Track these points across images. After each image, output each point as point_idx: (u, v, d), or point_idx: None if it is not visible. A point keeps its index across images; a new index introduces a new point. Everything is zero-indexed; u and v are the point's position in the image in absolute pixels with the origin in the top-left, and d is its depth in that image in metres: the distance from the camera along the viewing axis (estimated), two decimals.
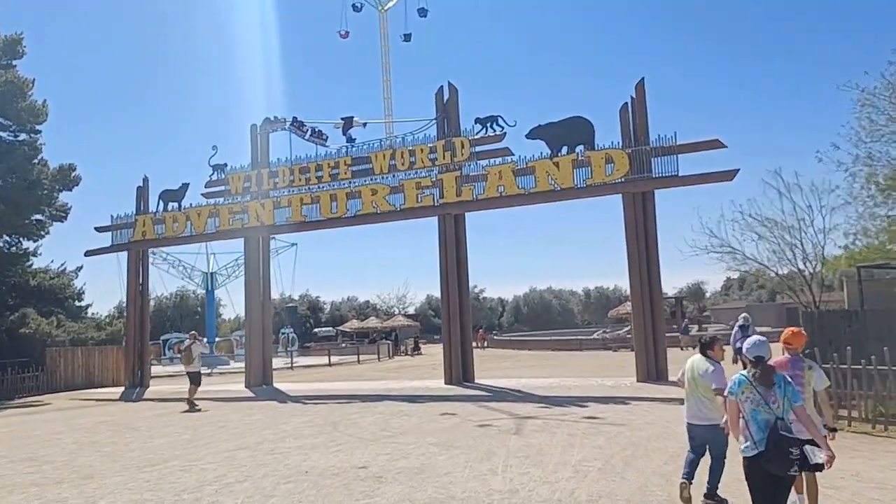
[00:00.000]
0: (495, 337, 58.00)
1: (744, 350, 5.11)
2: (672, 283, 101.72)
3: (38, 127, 28.57)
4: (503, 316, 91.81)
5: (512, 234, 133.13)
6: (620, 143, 18.95)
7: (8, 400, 23.93)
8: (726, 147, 17.86)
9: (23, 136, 28.76)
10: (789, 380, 4.93)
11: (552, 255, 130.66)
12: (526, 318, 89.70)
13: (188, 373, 18.13)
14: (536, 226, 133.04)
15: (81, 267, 34.11)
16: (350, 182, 22.37)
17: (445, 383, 20.35)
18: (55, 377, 26.71)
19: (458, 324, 20.67)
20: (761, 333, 6.62)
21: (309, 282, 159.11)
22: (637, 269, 18.52)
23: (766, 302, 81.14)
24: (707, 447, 6.56)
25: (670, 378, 18.17)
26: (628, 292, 21.42)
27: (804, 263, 18.66)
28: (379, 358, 44.12)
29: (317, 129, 23.40)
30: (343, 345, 56.17)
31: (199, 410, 17.00)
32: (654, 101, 19.18)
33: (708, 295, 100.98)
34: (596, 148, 19.14)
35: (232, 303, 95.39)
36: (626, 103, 19.19)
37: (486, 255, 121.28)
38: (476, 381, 20.61)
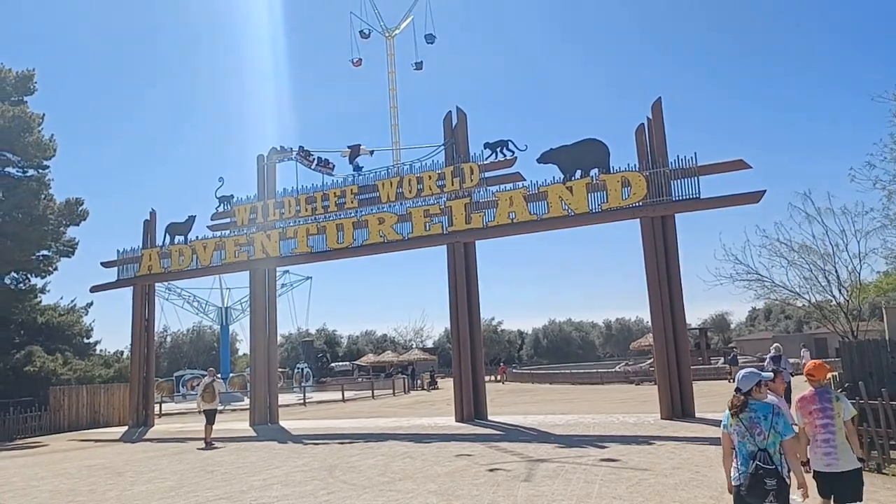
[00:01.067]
0: (514, 370, 56.61)
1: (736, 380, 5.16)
2: (695, 313, 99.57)
3: (45, 162, 28.32)
4: (522, 349, 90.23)
5: (528, 264, 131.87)
6: (637, 166, 18.04)
7: (8, 441, 23.19)
8: (751, 168, 16.91)
9: (31, 172, 28.52)
10: (779, 411, 4.92)
11: (571, 286, 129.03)
12: (546, 350, 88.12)
13: (205, 411, 17.74)
14: (552, 255, 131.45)
15: (91, 303, 33.67)
16: (357, 211, 21.66)
17: (456, 420, 19.29)
18: (59, 417, 25.95)
19: (470, 357, 19.66)
20: (792, 364, 5.96)
21: (326, 316, 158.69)
22: (658, 297, 17.46)
23: (794, 332, 79.00)
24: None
25: (697, 414, 16.99)
26: (650, 324, 20.28)
27: (839, 290, 17.36)
28: (394, 393, 43.05)
29: (323, 159, 22.78)
30: (360, 379, 55.14)
31: (215, 448, 16.65)
32: (672, 123, 18.29)
33: (733, 326, 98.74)
34: (611, 171, 18.25)
35: (247, 338, 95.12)
36: (643, 124, 18.33)
37: (503, 286, 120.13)
38: (489, 417, 19.52)
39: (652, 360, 48.45)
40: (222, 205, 24.04)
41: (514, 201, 19.27)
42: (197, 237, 24.40)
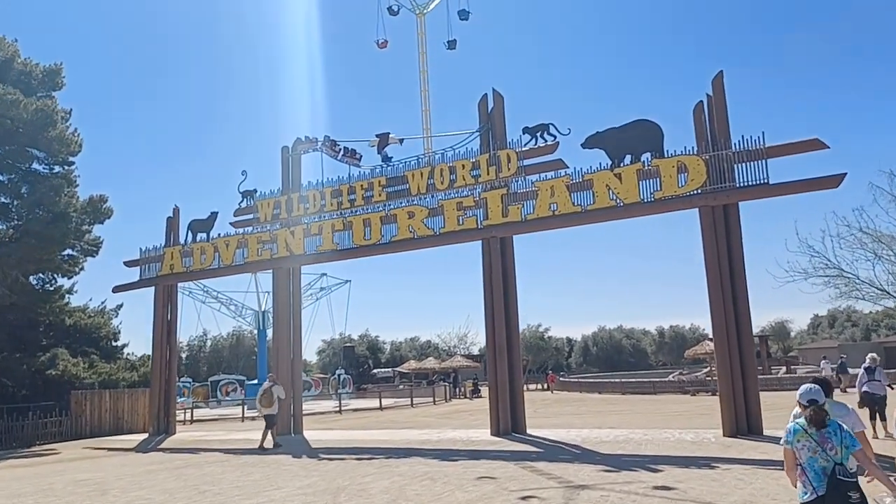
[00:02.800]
0: (561, 378, 54.26)
1: (797, 397, 5.09)
2: (754, 320, 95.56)
3: (71, 158, 27.54)
4: (570, 356, 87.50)
5: (574, 265, 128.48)
6: (695, 149, 15.93)
7: (25, 448, 22.24)
8: (828, 147, 14.63)
9: (57, 169, 27.76)
10: (844, 427, 4.88)
11: (622, 292, 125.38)
12: (595, 358, 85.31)
13: (267, 416, 17.64)
14: (601, 255, 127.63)
15: (122, 305, 32.92)
16: (385, 205, 20.01)
17: (491, 434, 17.40)
18: (80, 422, 24.98)
19: (507, 364, 17.76)
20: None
21: (368, 321, 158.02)
22: (720, 296, 15.29)
23: (861, 341, 74.52)
24: None
25: (765, 431, 14.76)
26: (707, 331, 17.97)
27: None
28: (434, 401, 41.24)
29: (350, 149, 21.23)
30: (401, 386, 53.61)
31: (271, 451, 16.66)
32: (733, 103, 16.03)
33: (793, 334, 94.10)
34: (665, 155, 16.18)
35: None
36: (701, 102, 16.22)
37: (550, 292, 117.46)
38: (528, 431, 17.57)
39: (708, 369, 45.74)
40: (245, 200, 22.72)
41: (556, 191, 17.34)
42: (219, 234, 23.12)
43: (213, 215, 23.60)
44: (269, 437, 17.52)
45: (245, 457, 16.01)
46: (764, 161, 15.09)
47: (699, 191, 15.65)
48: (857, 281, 15.63)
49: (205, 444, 19.51)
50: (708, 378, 41.18)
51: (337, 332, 69.62)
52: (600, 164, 16.94)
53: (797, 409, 5.28)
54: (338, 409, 35.20)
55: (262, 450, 16.84)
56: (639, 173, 16.40)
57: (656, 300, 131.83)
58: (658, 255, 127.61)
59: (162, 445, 20.25)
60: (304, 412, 26.45)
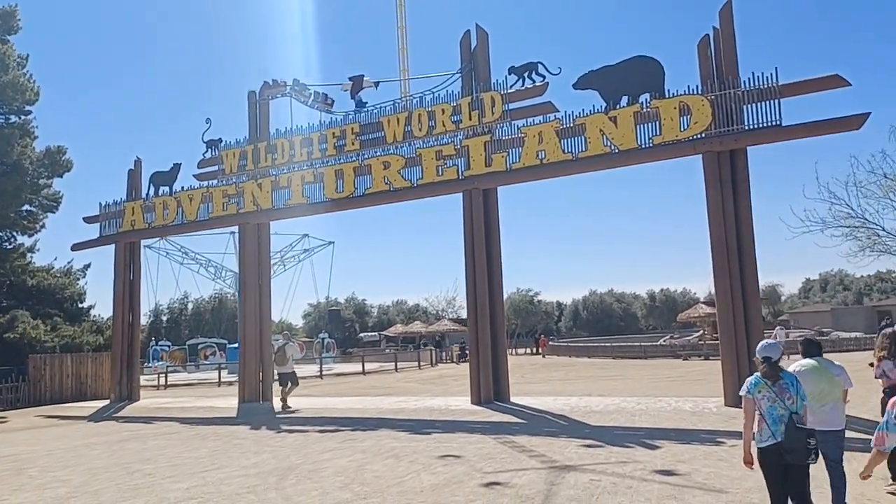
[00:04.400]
0: (551, 343, 53.15)
1: (756, 351, 5.43)
2: None
3: (27, 108, 25.56)
4: (560, 321, 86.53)
5: (563, 225, 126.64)
6: (700, 88, 14.28)
7: None
8: (850, 85, 13.03)
9: (14, 119, 25.79)
10: (799, 381, 5.22)
11: (613, 255, 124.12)
12: (585, 323, 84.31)
13: (281, 374, 17.38)
14: (589, 207, 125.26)
15: (89, 265, 31.20)
16: (358, 154, 18.33)
17: (472, 403, 16.03)
18: (39, 388, 23.53)
19: (489, 326, 16.31)
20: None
21: (355, 285, 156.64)
22: (723, 251, 13.79)
23: (853, 305, 73.73)
24: (823, 455, 5.78)
25: None
26: (698, 295, 16.50)
27: None
28: (419, 365, 40.04)
29: (321, 94, 19.47)
30: (387, 350, 52.40)
31: (293, 412, 16.41)
32: (742, 37, 14.28)
33: (784, 298, 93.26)
34: (666, 95, 14.53)
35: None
36: (707, 35, 14.51)
37: (540, 256, 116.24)
38: (512, 399, 16.21)
39: (700, 333, 44.63)
40: (209, 150, 20.98)
41: (545, 137, 15.71)
42: (183, 188, 21.42)
43: (176, 167, 21.89)
44: (284, 396, 17.19)
45: (200, 427, 14.58)
46: (777, 101, 13.46)
47: (703, 135, 14.06)
48: (881, 232, 14.07)
49: (164, 413, 18.09)
50: (700, 342, 40.07)
51: (321, 295, 68.22)
52: (594, 106, 15.31)
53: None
54: (318, 374, 33.90)
55: (287, 409, 16.66)
56: (636, 116, 14.77)
57: (647, 264, 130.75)
58: (650, 214, 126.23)
59: (119, 414, 18.82)
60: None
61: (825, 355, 6.35)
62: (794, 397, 5.06)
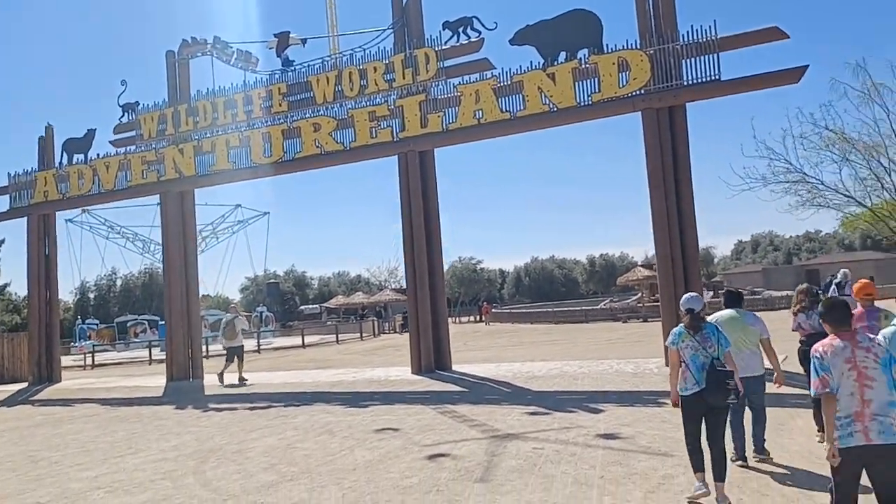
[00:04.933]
0: (494, 310, 53.23)
1: (680, 304, 5.76)
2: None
3: None
4: (503, 288, 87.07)
5: (501, 192, 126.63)
6: (638, 43, 13.86)
7: None
8: (787, 37, 12.82)
9: None
10: (720, 329, 5.62)
11: (553, 219, 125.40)
12: (527, 289, 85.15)
13: (229, 348, 16.81)
14: (529, 174, 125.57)
15: (3, 241, 29.24)
16: (286, 116, 17.36)
17: (413, 373, 15.54)
18: None
19: (428, 294, 15.77)
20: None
21: (295, 257, 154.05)
22: (663, 210, 13.54)
23: (783, 264, 76.39)
24: (747, 400, 6.37)
25: None
26: (635, 259, 16.32)
27: None
28: (361, 337, 39.50)
29: (244, 52, 18.31)
30: (328, 323, 51.51)
31: (247, 384, 16.13)
32: None
33: (717, 260, 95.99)
34: (605, 50, 14.07)
35: (204, 279, 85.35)
36: None
37: (482, 225, 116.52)
38: (454, 367, 15.80)
39: (639, 295, 45.27)
40: (126, 114, 19.59)
41: (482, 96, 15.08)
42: (98, 155, 20.01)
43: (91, 133, 20.42)
44: (230, 372, 16.75)
45: (121, 409, 13.67)
46: (715, 55, 13.16)
47: (642, 91, 13.68)
48: (820, 186, 14.02)
49: (86, 394, 17.01)
50: (639, 305, 40.63)
51: (258, 268, 66.60)
52: (531, 63, 14.73)
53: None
54: (256, 348, 32.93)
55: (242, 382, 16.29)
56: (575, 73, 14.28)
57: (587, 230, 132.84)
58: (590, 181, 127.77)
59: (37, 397, 17.63)
60: (212, 354, 24.22)
61: (760, 314, 6.85)
62: (714, 345, 5.42)
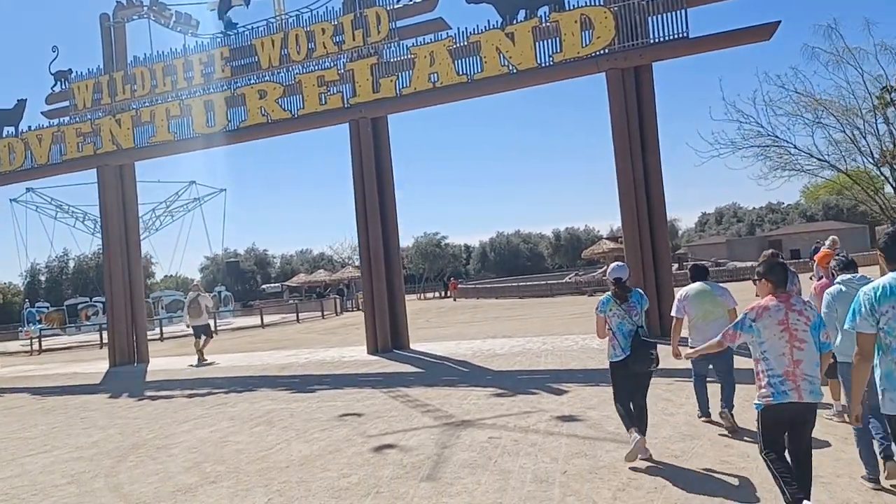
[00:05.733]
0: (459, 285, 52.53)
1: (607, 273, 6.03)
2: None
3: None
4: (469, 263, 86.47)
5: (464, 164, 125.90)
6: None
7: None
8: None
9: None
10: (644, 297, 5.87)
11: (518, 192, 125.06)
12: (493, 264, 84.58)
13: (195, 327, 16.44)
14: (492, 148, 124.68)
15: None
16: (230, 83, 16.25)
17: (368, 353, 14.75)
18: None
19: (384, 269, 14.93)
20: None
21: (256, 235, 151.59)
22: (630, 178, 12.86)
23: (746, 236, 76.94)
24: (713, 367, 6.70)
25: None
26: (600, 232, 15.65)
27: (884, 156, 12.89)
28: (323, 315, 38.45)
29: (184, 14, 17.06)
30: (290, 301, 50.34)
31: (209, 364, 15.61)
32: None
33: (681, 233, 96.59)
34: (566, 7, 13.22)
35: (160, 259, 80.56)
36: None
37: (446, 201, 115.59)
38: (412, 346, 15.05)
39: (604, 268, 44.96)
40: (59, 83, 18.26)
41: (437, 58, 14.16)
42: (30, 127, 18.63)
43: (21, 104, 19.00)
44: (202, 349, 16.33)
45: (50, 399, 12.61)
46: (683, 10, 12.43)
47: (607, 50, 12.90)
48: (793, 150, 13.37)
49: (21, 383, 15.92)
50: (605, 278, 40.38)
51: (216, 246, 64.94)
52: (489, 22, 13.84)
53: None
54: (214, 329, 31.73)
55: (203, 362, 15.85)
56: (535, 32, 13.43)
57: (552, 203, 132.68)
58: (554, 153, 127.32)
59: None
60: (167, 336, 23.13)
61: (726, 285, 7.21)
62: (640, 314, 5.64)
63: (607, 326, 5.72)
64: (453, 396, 9.16)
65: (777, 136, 12.76)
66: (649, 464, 5.53)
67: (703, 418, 6.77)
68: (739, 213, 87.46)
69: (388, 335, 14.79)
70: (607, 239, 50.48)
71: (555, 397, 8.59)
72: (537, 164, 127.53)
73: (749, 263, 47.86)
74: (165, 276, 59.58)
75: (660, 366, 5.68)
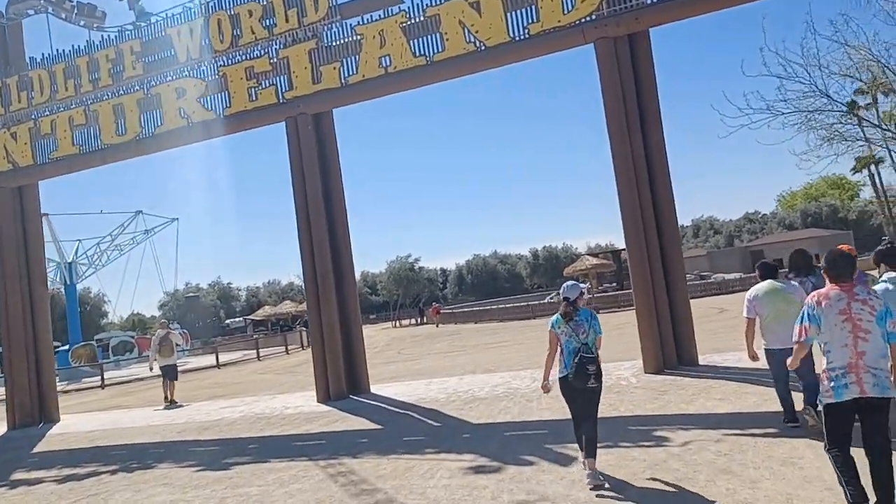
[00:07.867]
0: (441, 310, 49.64)
1: (560, 293, 5.97)
2: (608, 237, 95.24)
3: None
4: (446, 287, 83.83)
5: (436, 188, 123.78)
6: None
7: None
8: None
9: None
10: (595, 315, 5.78)
11: (492, 213, 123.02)
12: (471, 287, 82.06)
13: (164, 367, 15.65)
14: (464, 171, 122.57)
15: None
16: (142, 82, 13.54)
17: (319, 401, 11.97)
18: None
19: (335, 298, 12.21)
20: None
21: (221, 268, 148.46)
22: (629, 165, 10.35)
23: (725, 247, 75.35)
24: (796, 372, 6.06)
25: (702, 360, 10.25)
26: (578, 249, 13.30)
27: None
28: (287, 350, 35.45)
29: (87, 4, 14.36)
30: (254, 336, 47.17)
31: (181, 406, 14.59)
32: None
33: None
34: None
35: (110, 299, 74.76)
36: None
37: (419, 225, 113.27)
38: (373, 389, 12.32)
39: (587, 285, 42.60)
40: None
41: (388, 37, 11.62)
42: None
43: None
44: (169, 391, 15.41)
45: None
46: None
47: (594, 16, 10.45)
48: (850, 117, 10.68)
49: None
50: (588, 296, 37.94)
51: (171, 282, 61.59)
52: None
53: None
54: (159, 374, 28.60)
55: (172, 403, 14.97)
56: (505, 0, 10.96)
57: (528, 222, 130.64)
58: (530, 174, 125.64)
59: None
60: (108, 382, 20.11)
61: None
62: (587, 331, 5.60)
63: (559, 343, 5.66)
64: (414, 473, 6.46)
65: (829, 96, 10.01)
66: None
67: (789, 424, 6.33)
68: (716, 224, 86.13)
69: (343, 378, 12.02)
70: (588, 255, 48.17)
71: (560, 469, 5.97)
72: (514, 185, 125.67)
73: (735, 275, 45.90)
74: (121, 317, 55.77)
75: (602, 384, 5.55)
